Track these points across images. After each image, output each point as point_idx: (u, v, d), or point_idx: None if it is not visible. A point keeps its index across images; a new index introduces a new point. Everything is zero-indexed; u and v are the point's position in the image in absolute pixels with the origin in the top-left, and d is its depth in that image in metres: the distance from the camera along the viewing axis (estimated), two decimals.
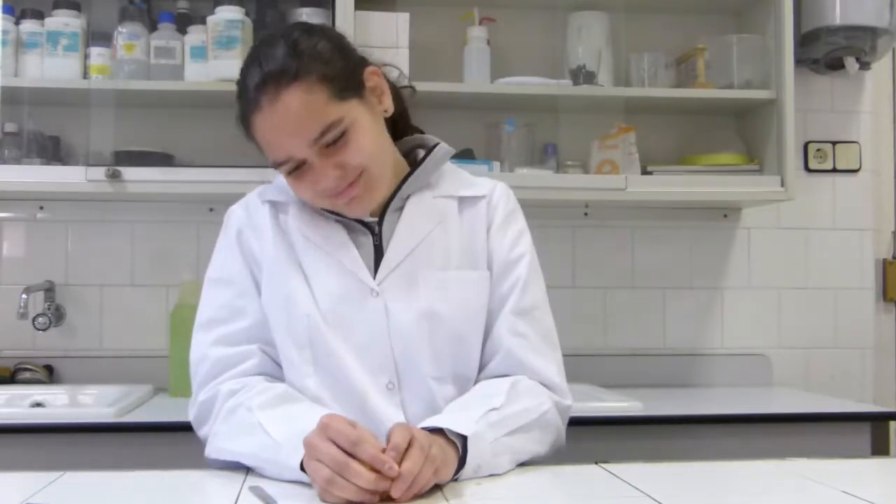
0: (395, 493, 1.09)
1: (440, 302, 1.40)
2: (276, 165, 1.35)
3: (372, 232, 1.43)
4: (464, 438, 1.21)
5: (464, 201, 1.48)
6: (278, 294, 1.40)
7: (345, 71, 1.35)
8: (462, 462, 1.20)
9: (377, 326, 1.38)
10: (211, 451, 1.36)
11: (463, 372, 1.41)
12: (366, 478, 1.08)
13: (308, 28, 1.39)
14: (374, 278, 1.40)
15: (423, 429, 1.21)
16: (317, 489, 1.12)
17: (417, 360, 1.38)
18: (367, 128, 1.35)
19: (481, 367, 1.44)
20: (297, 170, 1.34)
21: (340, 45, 1.38)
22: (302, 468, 1.16)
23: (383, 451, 1.10)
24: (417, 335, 1.38)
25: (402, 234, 1.42)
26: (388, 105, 1.42)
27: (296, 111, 1.29)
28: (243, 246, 1.44)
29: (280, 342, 1.40)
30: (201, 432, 1.40)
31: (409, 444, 1.12)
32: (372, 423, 1.28)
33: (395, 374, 1.38)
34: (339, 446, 1.10)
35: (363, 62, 1.41)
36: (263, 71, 1.30)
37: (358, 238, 1.42)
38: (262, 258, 1.43)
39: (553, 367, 1.44)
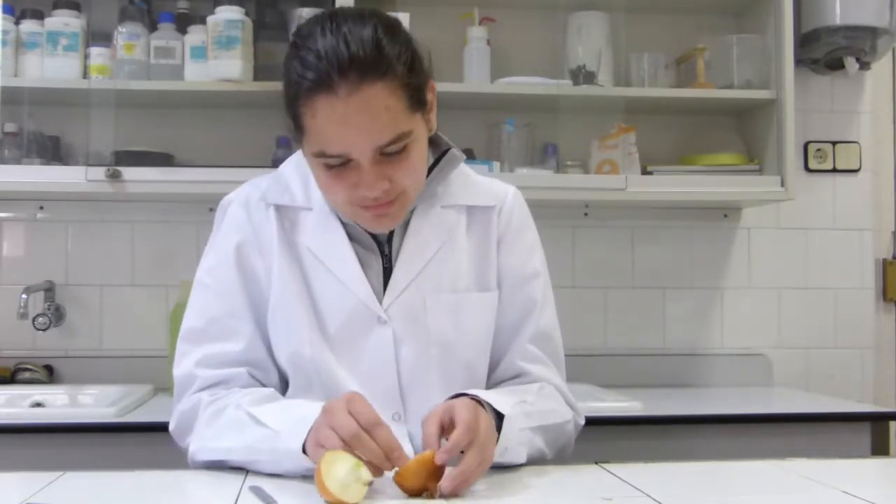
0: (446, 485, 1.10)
1: (450, 329, 1.36)
2: (319, 156, 1.22)
3: (381, 248, 1.36)
4: (498, 418, 1.22)
5: (473, 211, 1.42)
6: (282, 317, 1.35)
7: (420, 82, 1.24)
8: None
9: (384, 356, 1.34)
10: (197, 452, 1.31)
11: None
12: (376, 452, 1.09)
13: (392, 22, 1.24)
14: (382, 303, 1.34)
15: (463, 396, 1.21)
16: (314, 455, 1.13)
17: (426, 390, 1.34)
18: (421, 147, 1.26)
19: (492, 384, 1.41)
20: (340, 166, 1.22)
21: (417, 52, 1.25)
22: (303, 452, 1.16)
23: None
24: (427, 364, 1.35)
25: (409, 254, 1.36)
26: (434, 123, 1.31)
27: (375, 110, 1.17)
28: (243, 263, 1.36)
29: (283, 364, 1.36)
30: (184, 442, 1.35)
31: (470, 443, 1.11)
32: None
33: (401, 404, 1.34)
34: (357, 422, 1.10)
35: (428, 74, 1.27)
36: (350, 52, 1.15)
37: (366, 255, 1.36)
38: (267, 277, 1.36)
39: (566, 388, 1.44)
